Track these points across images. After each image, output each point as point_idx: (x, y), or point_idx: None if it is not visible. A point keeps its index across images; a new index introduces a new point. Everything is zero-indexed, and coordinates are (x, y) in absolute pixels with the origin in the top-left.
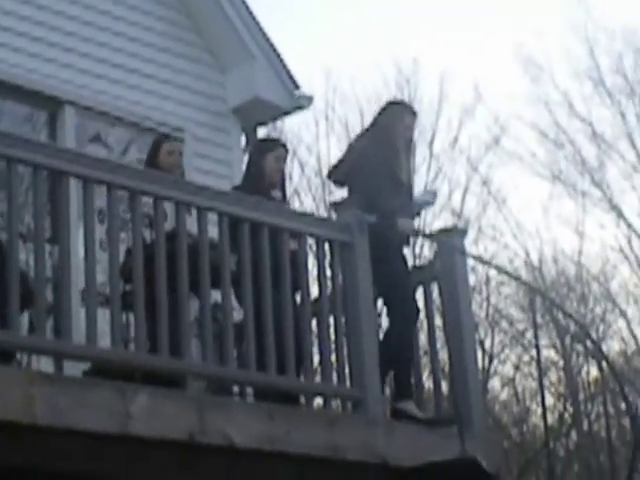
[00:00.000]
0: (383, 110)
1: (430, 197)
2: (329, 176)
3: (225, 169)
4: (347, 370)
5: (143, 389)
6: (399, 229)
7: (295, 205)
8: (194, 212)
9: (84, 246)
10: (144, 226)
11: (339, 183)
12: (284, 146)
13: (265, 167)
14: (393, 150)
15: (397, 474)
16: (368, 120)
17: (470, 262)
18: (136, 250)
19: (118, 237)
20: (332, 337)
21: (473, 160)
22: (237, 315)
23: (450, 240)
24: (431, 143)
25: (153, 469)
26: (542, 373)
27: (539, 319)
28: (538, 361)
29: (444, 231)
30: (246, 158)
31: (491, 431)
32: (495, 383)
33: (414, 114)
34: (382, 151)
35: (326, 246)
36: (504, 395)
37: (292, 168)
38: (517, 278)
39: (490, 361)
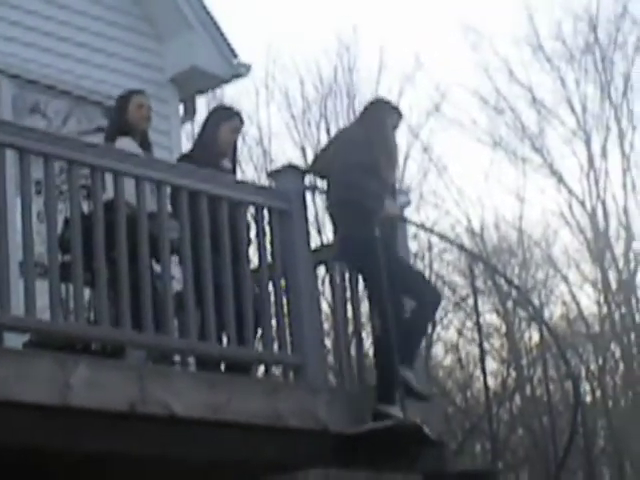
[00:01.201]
0: (372, 105)
1: (406, 198)
2: (310, 168)
3: (163, 138)
4: (288, 338)
5: (83, 360)
6: (385, 211)
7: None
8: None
9: (21, 218)
10: (82, 197)
11: (319, 174)
12: (240, 118)
13: (219, 137)
14: (384, 142)
15: (339, 440)
16: (308, 88)
17: (411, 229)
18: (74, 221)
19: (56, 208)
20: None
21: (414, 127)
22: (178, 285)
23: None
24: None
25: (94, 440)
26: (483, 339)
27: (481, 285)
28: (478, 327)
29: None
30: (199, 125)
31: (434, 397)
32: (439, 349)
33: (400, 115)
34: (371, 139)
35: (265, 214)
36: (448, 361)
37: None
38: (458, 245)
39: (433, 327)
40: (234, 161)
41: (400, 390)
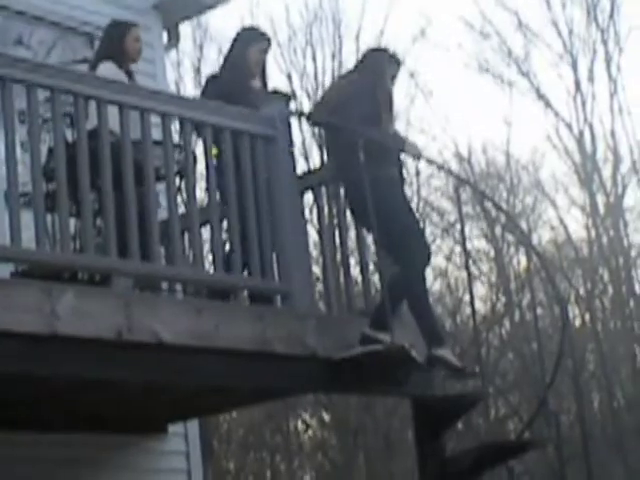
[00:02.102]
0: (371, 55)
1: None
2: (310, 117)
3: (148, 66)
4: (275, 265)
5: (69, 288)
6: (407, 147)
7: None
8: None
9: (5, 147)
10: (66, 125)
11: (320, 124)
12: (268, 39)
13: (247, 58)
14: (386, 96)
15: (327, 365)
16: (293, 14)
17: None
18: (58, 150)
19: (39, 137)
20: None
21: (399, 53)
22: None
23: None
24: (357, 38)
25: (81, 368)
26: (469, 265)
27: (470, 210)
28: (465, 253)
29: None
30: (228, 46)
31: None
32: (427, 275)
33: (399, 65)
34: (373, 85)
35: (249, 140)
36: (437, 286)
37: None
38: (446, 170)
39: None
40: (264, 81)
41: (387, 315)
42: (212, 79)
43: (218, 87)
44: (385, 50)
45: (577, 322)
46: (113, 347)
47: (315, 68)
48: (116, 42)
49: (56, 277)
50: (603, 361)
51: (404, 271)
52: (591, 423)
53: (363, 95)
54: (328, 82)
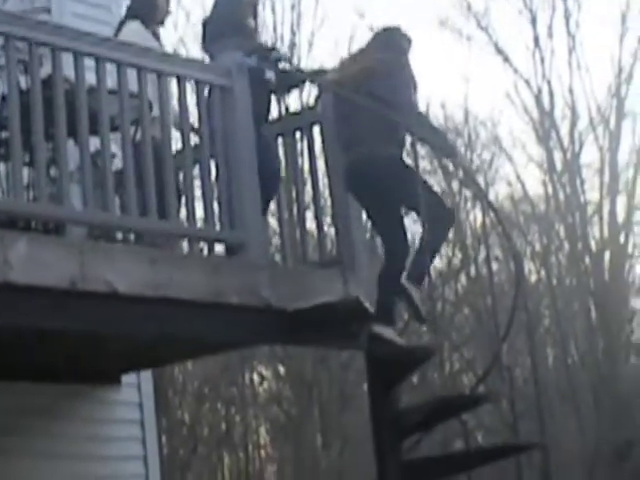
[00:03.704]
0: (385, 32)
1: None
2: (322, 87)
3: (104, 14)
4: (229, 214)
5: (22, 236)
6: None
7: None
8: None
9: None
10: (19, 72)
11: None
12: None
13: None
14: (409, 69)
15: (281, 316)
16: None
17: None
18: (11, 97)
19: None
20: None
21: (358, 9)
22: (119, 163)
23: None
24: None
25: (34, 316)
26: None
27: (427, 165)
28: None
29: (323, 72)
30: None
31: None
32: None
33: (410, 42)
34: (399, 64)
35: (205, 90)
36: None
37: (177, 17)
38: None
39: None
40: (255, 24)
41: (342, 267)
42: (208, 20)
43: (214, 23)
44: (398, 28)
45: (533, 278)
46: (67, 296)
47: (274, 20)
48: (144, 0)
49: (9, 226)
50: (558, 317)
51: (389, 255)
52: (545, 378)
53: (391, 75)
54: (287, 34)
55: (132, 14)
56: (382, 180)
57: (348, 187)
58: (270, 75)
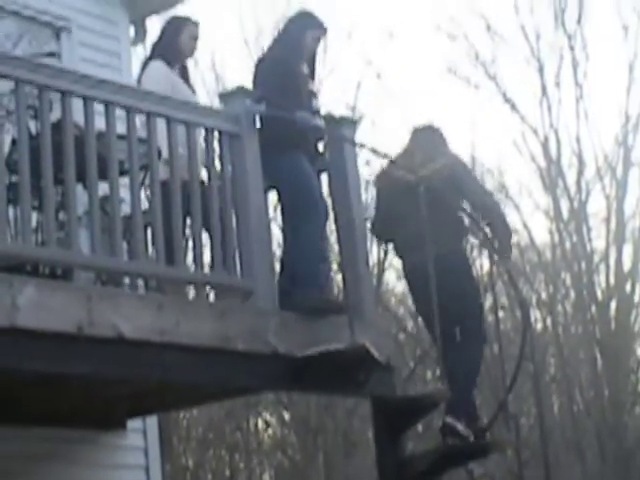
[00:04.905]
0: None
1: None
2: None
3: (113, 60)
4: (238, 262)
5: (30, 281)
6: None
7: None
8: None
9: None
10: (29, 117)
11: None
12: (325, 29)
13: (303, 41)
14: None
15: (288, 364)
16: (261, 13)
17: (364, 154)
18: (21, 141)
19: (2, 127)
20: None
21: (367, 55)
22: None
23: (339, 130)
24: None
25: (40, 361)
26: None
27: None
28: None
29: (333, 120)
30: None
31: (385, 321)
32: (391, 276)
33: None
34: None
35: (215, 137)
36: (400, 288)
37: None
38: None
39: (385, 254)
40: (313, 70)
41: (349, 314)
42: (261, 61)
43: (268, 64)
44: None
45: (539, 326)
46: (74, 341)
47: None
48: (169, 39)
49: (18, 270)
50: (563, 365)
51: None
52: (551, 426)
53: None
54: None
55: (157, 54)
56: (463, 274)
57: (424, 285)
58: (318, 122)
